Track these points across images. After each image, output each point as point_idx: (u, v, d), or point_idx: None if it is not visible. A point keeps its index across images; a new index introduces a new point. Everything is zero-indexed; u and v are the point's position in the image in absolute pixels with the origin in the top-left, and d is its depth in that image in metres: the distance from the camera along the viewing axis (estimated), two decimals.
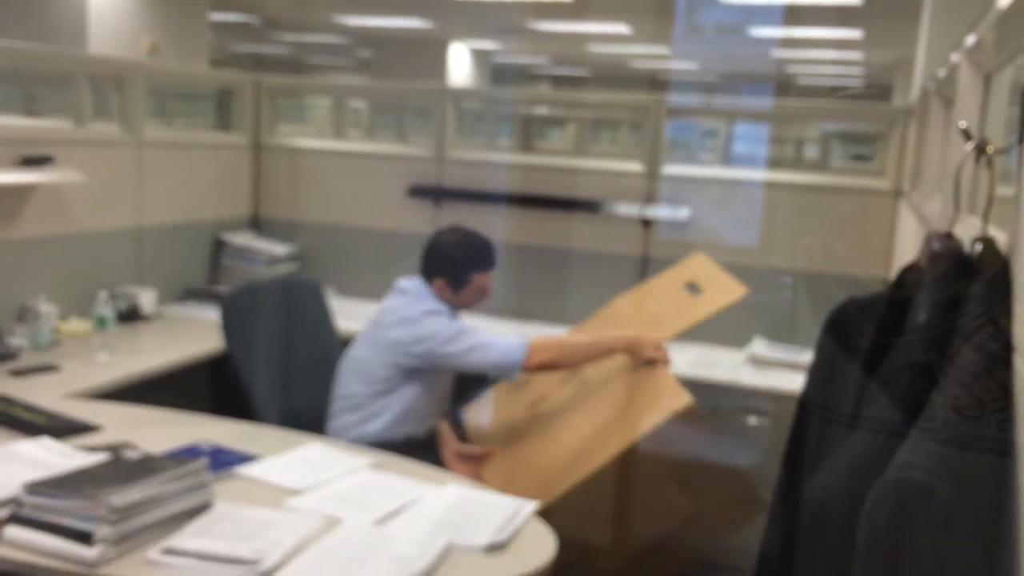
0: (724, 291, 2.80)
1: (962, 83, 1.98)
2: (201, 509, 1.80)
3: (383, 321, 2.68)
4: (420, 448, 2.63)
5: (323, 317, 3.03)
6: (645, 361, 2.61)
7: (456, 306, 2.71)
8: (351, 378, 2.69)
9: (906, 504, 0.99)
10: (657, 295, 2.95)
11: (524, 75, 16.31)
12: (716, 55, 11.65)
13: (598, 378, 2.72)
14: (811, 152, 6.22)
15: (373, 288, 3.44)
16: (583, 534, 2.51)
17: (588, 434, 2.62)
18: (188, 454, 2.10)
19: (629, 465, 2.49)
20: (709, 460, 2.87)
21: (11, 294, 3.02)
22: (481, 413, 2.92)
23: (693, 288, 2.86)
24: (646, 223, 3.65)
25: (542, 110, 5.25)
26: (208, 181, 3.95)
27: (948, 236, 1.38)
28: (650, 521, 2.80)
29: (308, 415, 2.73)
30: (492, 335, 2.62)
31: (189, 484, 1.79)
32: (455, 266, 2.69)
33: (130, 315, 3.37)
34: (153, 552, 1.66)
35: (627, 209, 3.67)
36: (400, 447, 2.50)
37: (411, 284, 2.72)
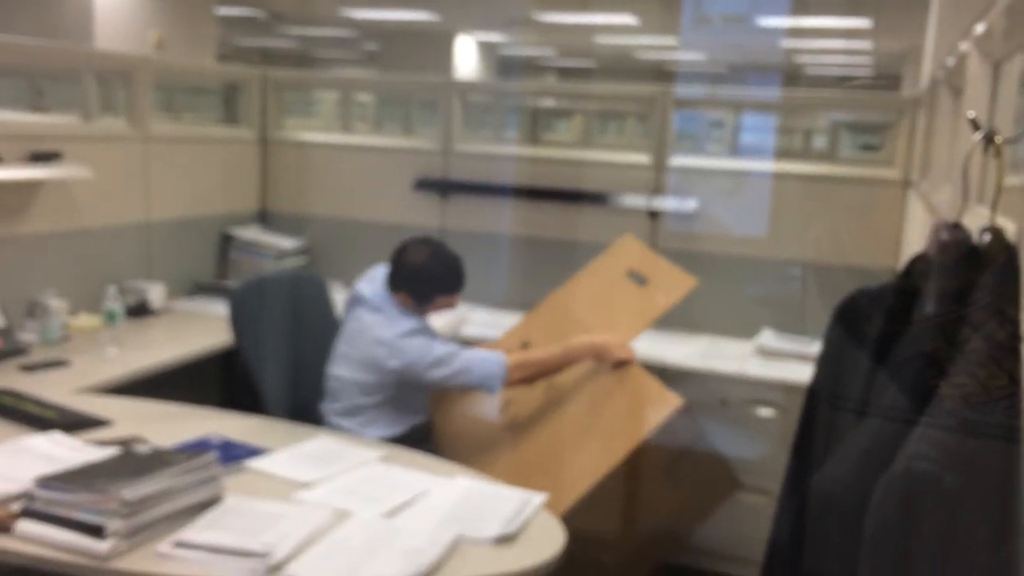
0: (676, 283, 2.80)
1: (971, 72, 1.97)
2: (211, 502, 1.81)
3: (357, 339, 2.65)
4: (420, 439, 2.64)
5: (328, 313, 3.03)
6: (614, 364, 2.67)
7: (419, 315, 2.70)
8: (338, 394, 2.68)
9: (914, 495, 0.99)
10: (601, 284, 2.93)
11: (530, 67, 16.28)
12: (723, 45, 11.60)
13: (568, 381, 2.74)
14: (819, 142, 6.18)
15: None
16: (588, 527, 2.52)
17: (581, 442, 2.64)
18: (198, 448, 2.11)
19: (626, 462, 2.53)
20: (693, 448, 2.90)
21: (21, 289, 3.03)
22: (451, 403, 2.92)
23: (638, 278, 2.86)
24: (653, 215, 3.64)
25: (548, 102, 5.23)
26: (215, 175, 3.96)
27: (956, 226, 1.37)
28: (647, 512, 2.82)
29: (317, 408, 2.74)
30: (471, 355, 2.60)
31: (199, 478, 1.80)
32: (422, 287, 2.68)
33: (139, 310, 3.38)
34: (164, 545, 1.67)
35: (634, 201, 3.66)
36: (403, 440, 2.52)
37: (374, 293, 2.68)
